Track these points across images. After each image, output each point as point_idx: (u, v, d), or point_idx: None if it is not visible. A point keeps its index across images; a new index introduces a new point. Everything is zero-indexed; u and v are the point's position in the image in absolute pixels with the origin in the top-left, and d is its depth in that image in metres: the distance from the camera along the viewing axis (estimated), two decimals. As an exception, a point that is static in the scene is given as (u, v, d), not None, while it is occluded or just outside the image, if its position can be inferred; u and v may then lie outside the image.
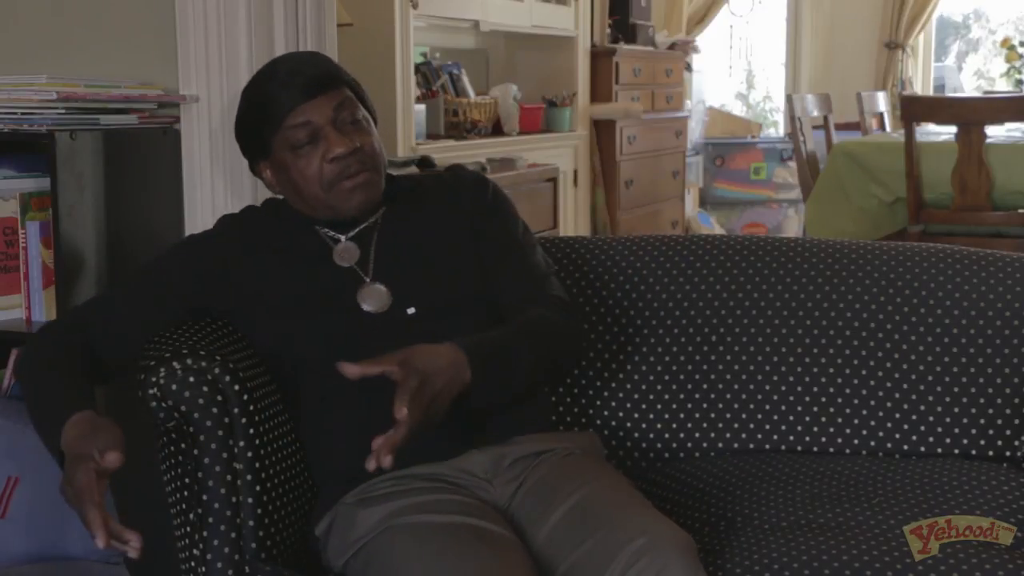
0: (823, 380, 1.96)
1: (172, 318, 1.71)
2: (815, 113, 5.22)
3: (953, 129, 4.12)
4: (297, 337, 1.68)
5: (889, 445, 1.92)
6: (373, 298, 1.69)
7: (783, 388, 1.96)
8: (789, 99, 5.30)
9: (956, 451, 1.90)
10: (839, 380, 1.95)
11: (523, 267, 1.78)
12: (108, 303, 1.75)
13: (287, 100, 1.70)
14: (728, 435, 1.95)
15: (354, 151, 1.70)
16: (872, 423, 1.93)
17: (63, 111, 2.01)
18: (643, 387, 1.98)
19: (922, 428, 1.91)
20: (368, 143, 1.73)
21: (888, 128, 5.72)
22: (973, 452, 1.90)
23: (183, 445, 1.58)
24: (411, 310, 1.68)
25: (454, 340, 1.56)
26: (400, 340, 1.54)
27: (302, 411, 1.70)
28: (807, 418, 1.94)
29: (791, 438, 1.94)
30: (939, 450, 1.90)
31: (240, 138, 1.81)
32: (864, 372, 1.95)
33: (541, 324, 1.68)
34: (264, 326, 1.70)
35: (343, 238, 1.74)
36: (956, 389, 1.92)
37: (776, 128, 8.26)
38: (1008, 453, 1.90)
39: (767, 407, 1.96)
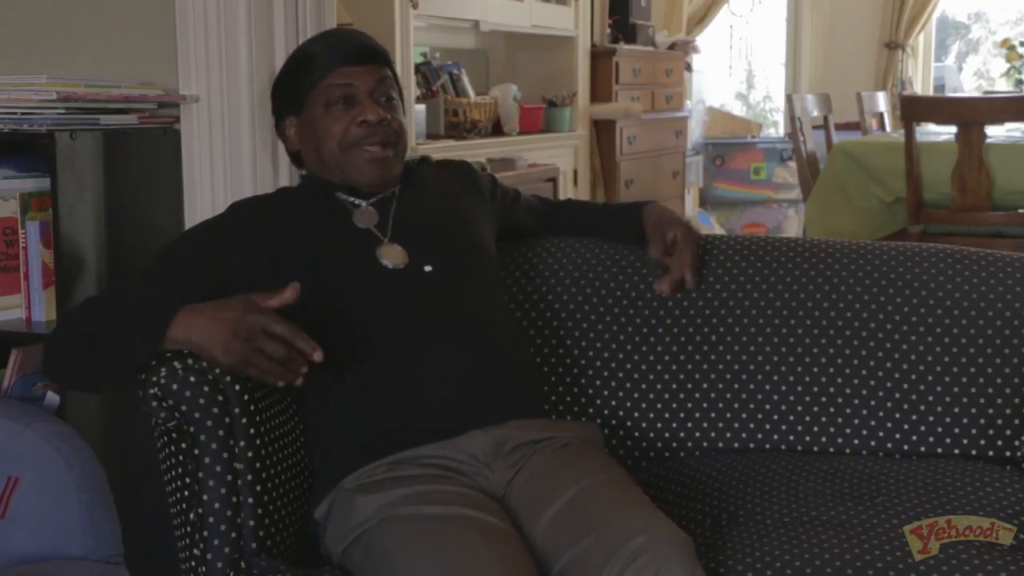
0: (823, 380, 1.96)
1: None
2: (815, 113, 5.22)
3: (953, 129, 4.12)
4: (320, 292, 1.70)
5: (889, 445, 1.92)
6: (391, 256, 1.75)
7: (783, 388, 1.96)
8: (789, 99, 5.30)
9: (956, 451, 1.90)
10: (839, 380, 1.95)
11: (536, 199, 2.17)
12: (126, 293, 1.74)
13: (334, 58, 1.81)
14: (728, 434, 1.95)
15: (383, 121, 1.80)
16: (872, 423, 1.93)
17: (63, 111, 2.01)
18: (643, 386, 1.98)
19: (922, 428, 1.91)
20: (396, 120, 1.83)
21: (888, 128, 5.71)
22: (973, 452, 1.90)
23: (183, 445, 1.58)
24: (427, 268, 1.75)
25: (639, 206, 2.06)
26: (417, 295, 1.72)
27: (309, 387, 1.70)
28: (807, 418, 1.94)
29: (791, 438, 1.94)
30: (939, 450, 1.90)
31: (276, 91, 1.90)
32: (864, 372, 1.95)
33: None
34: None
35: (363, 203, 1.81)
36: (956, 389, 1.92)
37: (776, 128, 8.26)
38: (1008, 454, 1.90)
39: (767, 407, 1.96)
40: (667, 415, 1.97)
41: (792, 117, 5.00)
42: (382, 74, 1.83)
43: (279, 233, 1.75)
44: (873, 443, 1.92)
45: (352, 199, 1.82)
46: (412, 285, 1.72)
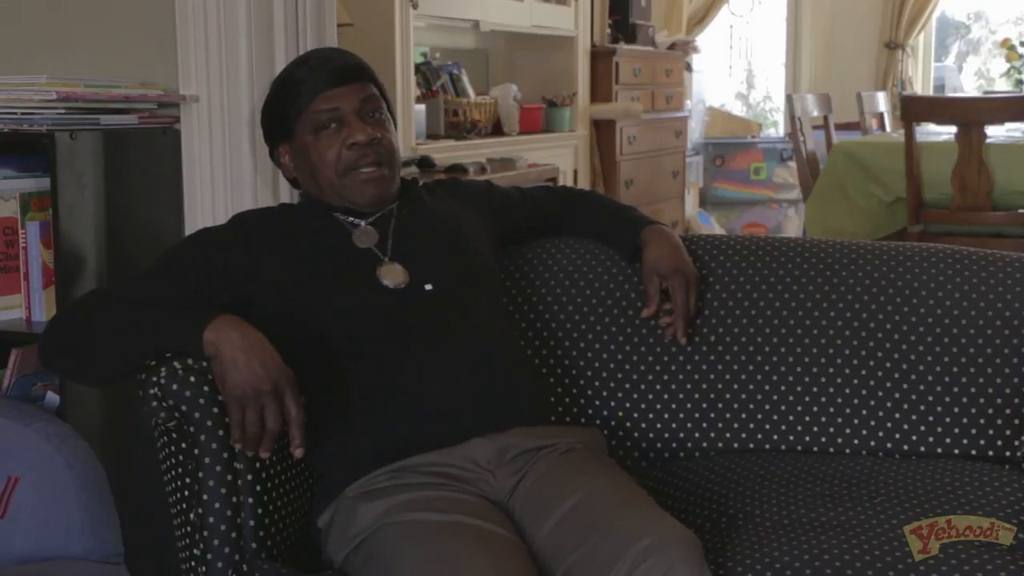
0: (823, 380, 1.96)
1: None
2: (815, 113, 5.22)
3: (953, 129, 4.12)
4: (321, 312, 1.70)
5: (889, 445, 1.92)
6: (391, 275, 1.74)
7: (783, 388, 1.96)
8: (789, 99, 5.30)
9: (956, 451, 1.90)
10: (839, 380, 1.95)
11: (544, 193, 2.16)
12: (139, 291, 1.73)
13: (317, 83, 1.79)
14: (728, 435, 1.95)
15: (373, 141, 1.79)
16: (872, 423, 1.93)
17: (63, 111, 2.01)
18: (642, 387, 1.98)
19: (922, 428, 1.91)
20: (387, 138, 1.82)
21: (888, 128, 5.72)
22: (973, 452, 1.90)
23: (183, 445, 1.58)
24: (428, 286, 1.74)
25: (641, 225, 1.99)
26: (418, 314, 1.70)
27: (309, 399, 1.70)
28: (807, 418, 1.94)
29: (791, 438, 1.94)
30: (939, 450, 1.90)
31: (265, 120, 1.89)
32: (864, 372, 1.95)
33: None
34: (284, 309, 1.71)
35: (362, 223, 1.81)
36: (956, 389, 1.92)
37: (776, 128, 8.26)
38: (1008, 454, 1.90)
39: (767, 407, 1.96)
40: (667, 416, 1.97)
41: (792, 117, 5.01)
42: (367, 92, 1.82)
43: (280, 251, 1.75)
44: (873, 443, 1.92)
45: (351, 219, 1.81)
46: (413, 304, 1.72)
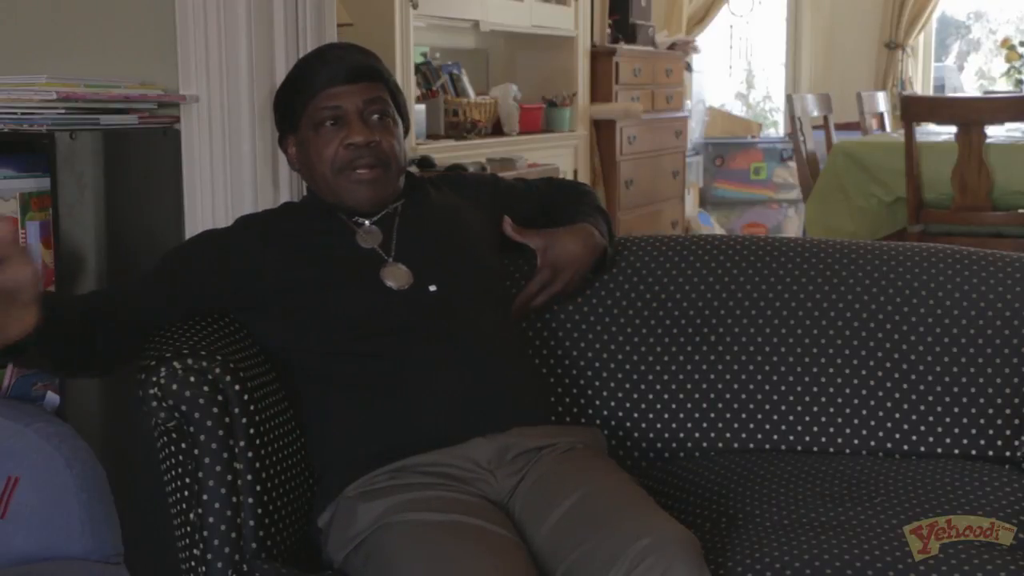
0: (823, 380, 1.96)
1: (182, 315, 1.71)
2: (815, 113, 5.22)
3: (953, 129, 4.12)
4: (324, 313, 1.70)
5: (889, 445, 1.92)
6: (395, 276, 1.74)
7: (783, 388, 1.96)
8: (789, 99, 5.30)
9: (956, 451, 1.90)
10: (839, 380, 1.95)
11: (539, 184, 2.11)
12: (120, 292, 1.74)
13: (324, 78, 1.79)
14: (728, 435, 1.95)
15: (370, 143, 1.77)
16: (872, 423, 1.93)
17: (63, 111, 2.01)
18: (642, 387, 1.98)
19: (922, 428, 1.91)
20: (387, 141, 1.80)
21: (888, 128, 5.72)
22: (973, 452, 1.90)
23: (183, 445, 1.58)
24: (432, 287, 1.74)
25: (582, 220, 1.92)
26: (422, 315, 1.70)
27: (310, 398, 1.71)
28: (807, 418, 1.94)
29: (791, 438, 1.94)
30: (939, 450, 1.91)
31: (276, 109, 1.89)
32: (864, 372, 1.95)
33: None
34: (288, 310, 1.71)
35: (367, 222, 1.80)
36: (956, 389, 1.92)
37: (776, 128, 8.26)
38: (1008, 454, 1.90)
39: (767, 407, 1.96)
40: (666, 416, 1.97)
41: (792, 117, 5.01)
42: (374, 93, 1.80)
43: (285, 252, 1.75)
44: (873, 443, 1.92)
45: (355, 218, 1.81)
46: (417, 305, 1.72)
